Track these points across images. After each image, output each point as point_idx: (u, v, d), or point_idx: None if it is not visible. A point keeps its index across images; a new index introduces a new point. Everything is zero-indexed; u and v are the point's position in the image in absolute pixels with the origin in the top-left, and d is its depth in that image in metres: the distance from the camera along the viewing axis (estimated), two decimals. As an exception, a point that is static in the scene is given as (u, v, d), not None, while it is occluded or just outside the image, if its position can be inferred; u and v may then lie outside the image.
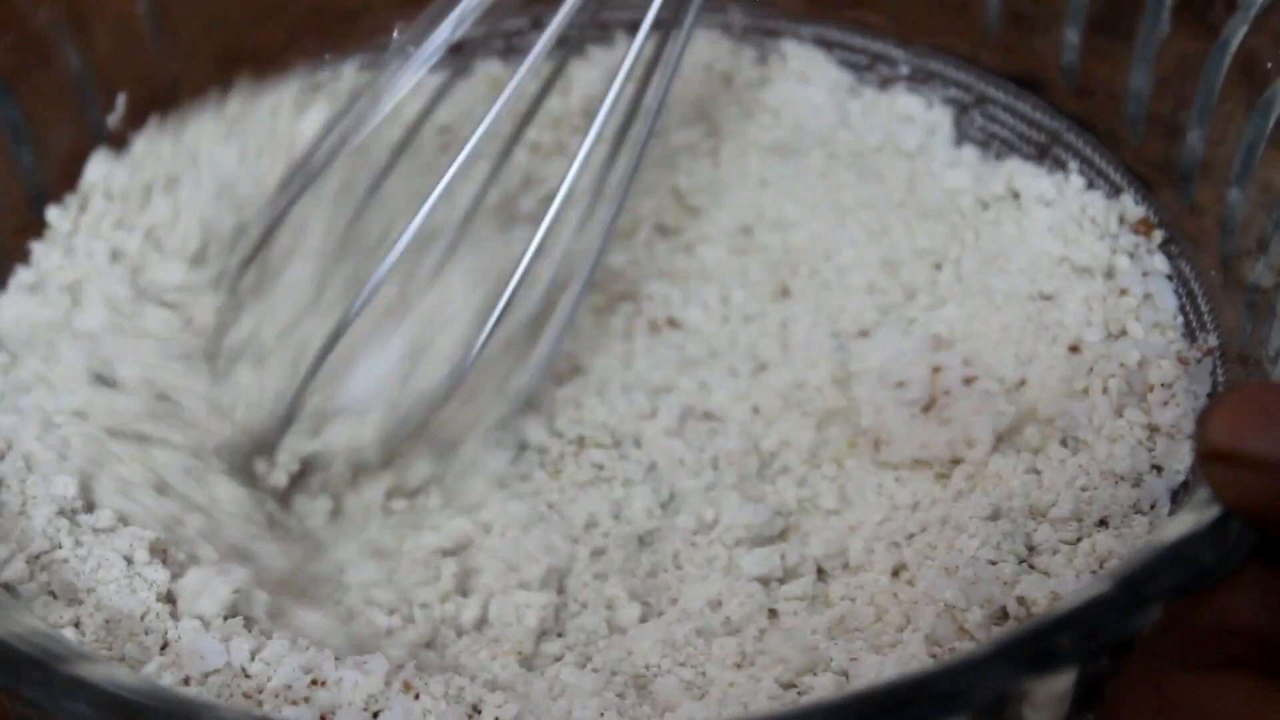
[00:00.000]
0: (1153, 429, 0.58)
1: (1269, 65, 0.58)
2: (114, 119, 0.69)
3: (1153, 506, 0.56)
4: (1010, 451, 0.59)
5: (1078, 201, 0.65)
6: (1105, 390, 0.59)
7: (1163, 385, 0.59)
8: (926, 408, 0.61)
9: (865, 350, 0.63)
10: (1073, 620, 0.41)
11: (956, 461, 0.59)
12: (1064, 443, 0.59)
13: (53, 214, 0.67)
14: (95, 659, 0.47)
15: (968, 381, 0.61)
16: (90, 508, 0.57)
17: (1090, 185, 0.66)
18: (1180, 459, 0.57)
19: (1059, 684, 0.42)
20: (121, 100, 0.69)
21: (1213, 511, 0.43)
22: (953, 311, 0.64)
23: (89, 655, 0.47)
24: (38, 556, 0.55)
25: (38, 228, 0.67)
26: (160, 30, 0.70)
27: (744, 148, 0.71)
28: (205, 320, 0.64)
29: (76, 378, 0.61)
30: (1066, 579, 0.53)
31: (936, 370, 0.61)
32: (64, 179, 0.68)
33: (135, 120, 0.70)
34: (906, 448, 0.60)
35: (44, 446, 0.59)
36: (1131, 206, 0.65)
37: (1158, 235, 0.64)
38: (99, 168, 0.67)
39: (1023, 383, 0.61)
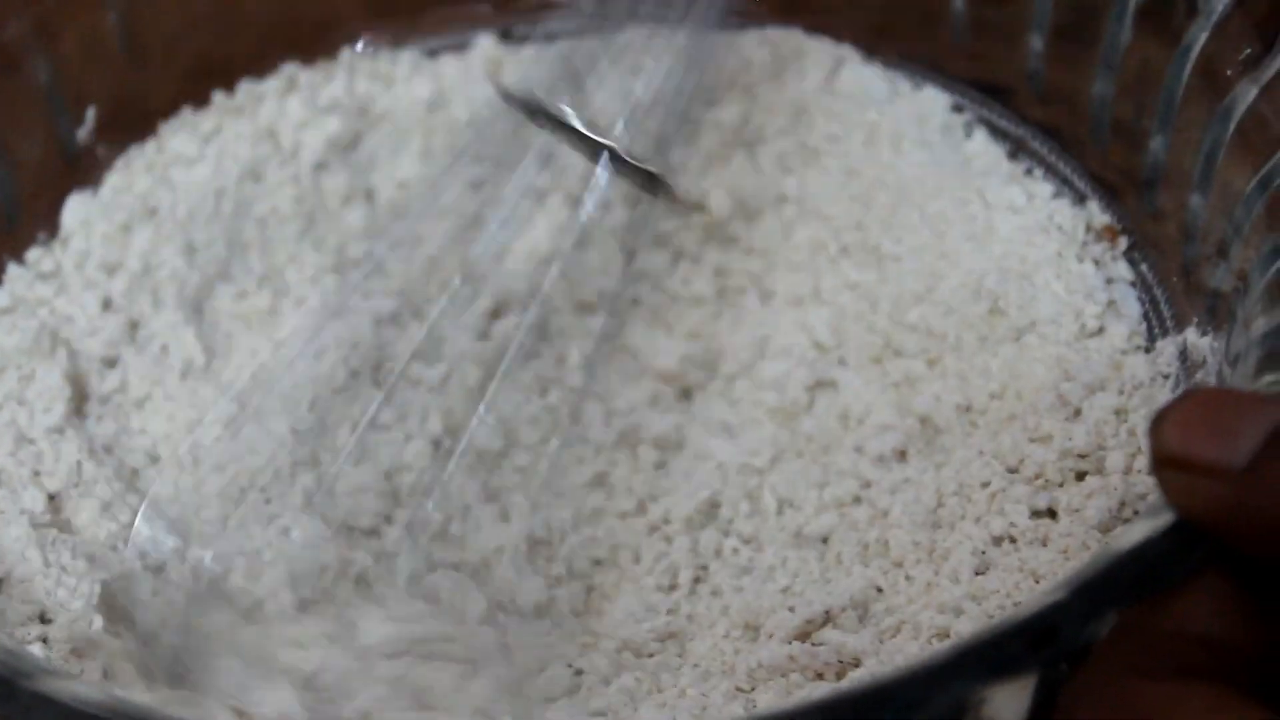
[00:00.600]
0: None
1: (1229, 72, 0.58)
2: (84, 132, 0.69)
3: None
4: None
5: (1045, 209, 0.66)
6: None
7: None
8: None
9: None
10: (1030, 626, 0.42)
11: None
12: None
13: (32, 255, 0.67)
14: (61, 674, 0.47)
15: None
16: (61, 525, 0.58)
17: (1057, 193, 0.67)
18: None
19: (1017, 690, 0.43)
20: (91, 113, 0.69)
21: (1167, 518, 0.43)
22: None
23: (54, 670, 0.47)
24: (5, 575, 0.55)
25: (9, 242, 0.67)
26: (130, 43, 0.70)
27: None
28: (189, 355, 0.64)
29: (55, 396, 0.62)
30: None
31: None
32: (34, 193, 0.68)
33: (105, 133, 0.70)
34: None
35: (16, 463, 0.59)
36: (1097, 213, 0.65)
37: (1122, 242, 0.64)
38: (77, 211, 0.68)
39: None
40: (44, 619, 0.54)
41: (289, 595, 0.57)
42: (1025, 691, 0.43)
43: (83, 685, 0.47)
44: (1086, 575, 0.43)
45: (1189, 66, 0.60)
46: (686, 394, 0.65)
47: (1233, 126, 0.58)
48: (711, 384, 0.65)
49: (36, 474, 0.59)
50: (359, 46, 0.73)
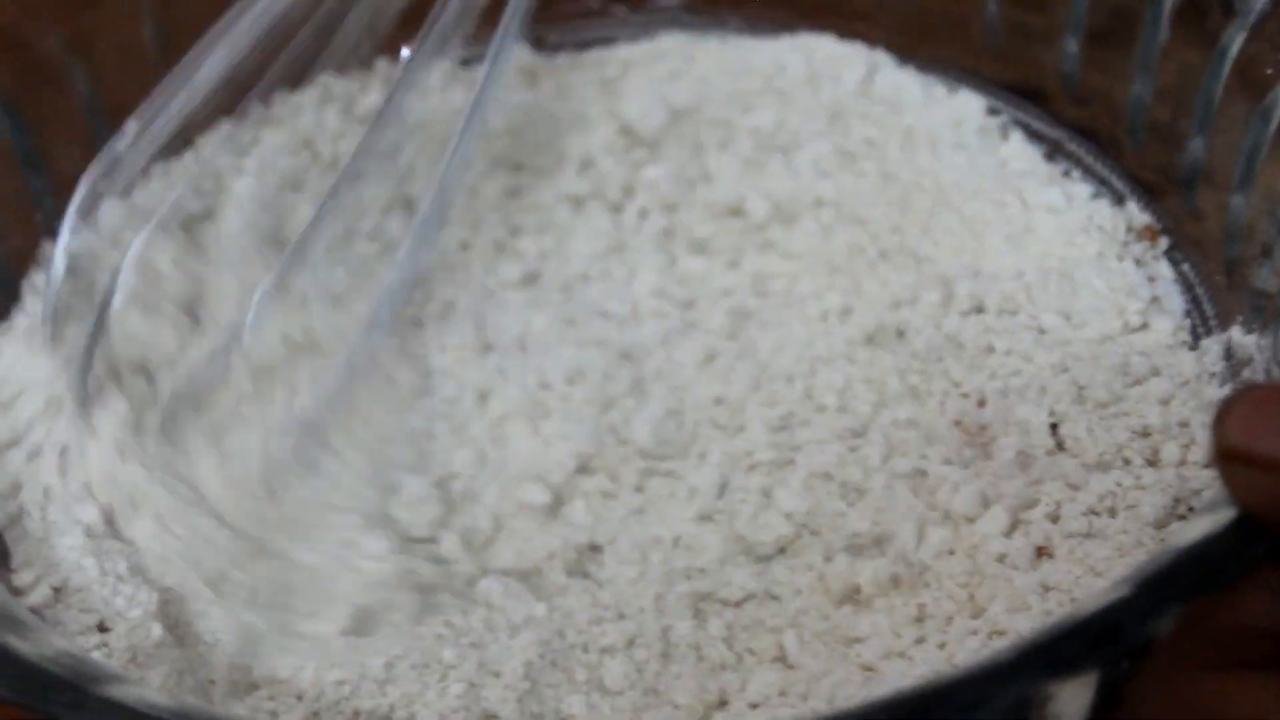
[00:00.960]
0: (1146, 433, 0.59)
1: (1268, 71, 0.59)
2: (123, 144, 0.69)
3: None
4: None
5: (1085, 210, 0.66)
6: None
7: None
8: None
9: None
10: (1093, 622, 0.42)
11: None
12: (1061, 446, 0.60)
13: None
14: (126, 680, 0.47)
15: None
16: (117, 536, 0.58)
17: (1096, 194, 0.67)
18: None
19: (1080, 686, 0.43)
20: (131, 126, 0.69)
21: (1229, 513, 0.43)
22: None
23: (120, 676, 0.47)
24: (62, 585, 0.56)
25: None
26: (166, 54, 0.70)
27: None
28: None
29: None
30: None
31: None
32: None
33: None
34: None
35: (64, 479, 0.60)
36: (1136, 214, 0.65)
37: (1163, 242, 0.64)
38: (113, 214, 0.68)
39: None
40: (102, 628, 0.55)
41: (350, 605, 0.57)
42: (1088, 688, 0.43)
43: (151, 691, 0.47)
44: (1150, 571, 0.43)
45: (1227, 67, 0.61)
46: None
47: (1274, 127, 0.58)
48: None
49: (89, 485, 0.60)
50: (403, 53, 0.73)
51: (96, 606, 0.55)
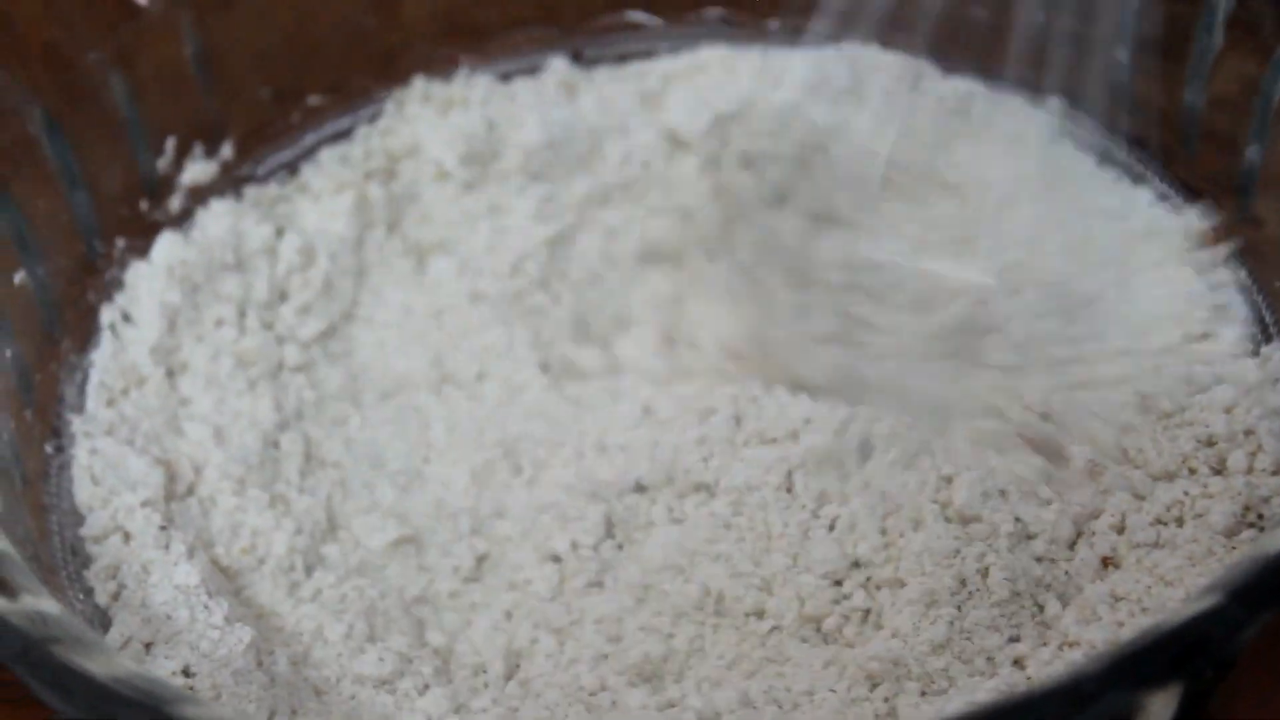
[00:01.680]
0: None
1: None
2: (163, 163, 0.69)
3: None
4: None
5: (1143, 216, 0.66)
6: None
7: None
8: None
9: None
10: (1186, 632, 0.41)
11: None
12: (1125, 456, 0.59)
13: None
14: (199, 702, 0.46)
15: None
16: (217, 591, 0.58)
17: (1152, 201, 0.66)
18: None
19: (1169, 696, 0.42)
20: (171, 144, 0.69)
21: (1317, 521, 0.43)
22: None
23: (192, 698, 0.46)
24: (153, 639, 0.55)
25: (91, 273, 0.67)
26: (207, 72, 0.70)
27: None
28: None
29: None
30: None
31: None
32: (116, 223, 0.68)
33: (183, 163, 0.70)
34: None
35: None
36: (1194, 220, 0.65)
37: (1221, 248, 0.64)
38: (169, 250, 0.68)
39: None
40: (187, 673, 0.54)
41: None
42: (1174, 697, 0.43)
43: (223, 708, 0.47)
44: (1240, 579, 0.43)
45: (1285, 75, 0.60)
46: None
47: (1333, 132, 0.58)
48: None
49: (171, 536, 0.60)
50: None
51: (183, 654, 0.54)
